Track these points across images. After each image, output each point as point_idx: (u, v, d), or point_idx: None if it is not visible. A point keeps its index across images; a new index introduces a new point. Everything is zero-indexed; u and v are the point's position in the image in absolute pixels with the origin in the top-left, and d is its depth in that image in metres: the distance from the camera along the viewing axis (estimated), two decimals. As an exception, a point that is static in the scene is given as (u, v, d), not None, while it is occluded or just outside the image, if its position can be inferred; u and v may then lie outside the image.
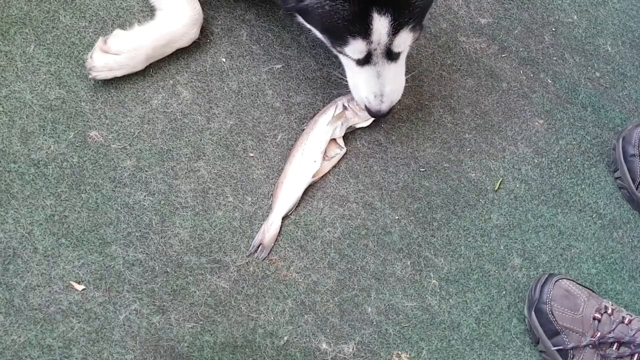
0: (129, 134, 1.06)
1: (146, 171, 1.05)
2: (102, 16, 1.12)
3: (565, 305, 1.02)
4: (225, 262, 1.02)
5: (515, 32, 1.33)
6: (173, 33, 1.09)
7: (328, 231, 1.09)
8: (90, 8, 1.12)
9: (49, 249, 0.97)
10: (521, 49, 1.31)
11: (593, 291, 1.06)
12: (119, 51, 1.05)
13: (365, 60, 0.98)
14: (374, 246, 1.09)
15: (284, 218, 1.07)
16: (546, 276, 1.06)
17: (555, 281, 1.04)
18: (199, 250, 1.02)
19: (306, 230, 1.08)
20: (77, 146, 1.04)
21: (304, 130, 1.14)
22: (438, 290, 1.08)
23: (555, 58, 1.32)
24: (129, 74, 1.09)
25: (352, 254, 1.08)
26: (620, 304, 1.08)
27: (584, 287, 1.06)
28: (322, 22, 0.95)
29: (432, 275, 1.09)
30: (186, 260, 1.00)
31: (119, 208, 1.01)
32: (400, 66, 1.02)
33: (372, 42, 0.93)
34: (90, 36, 1.10)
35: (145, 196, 1.03)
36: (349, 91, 1.09)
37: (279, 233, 1.06)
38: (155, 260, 0.99)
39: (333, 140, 1.13)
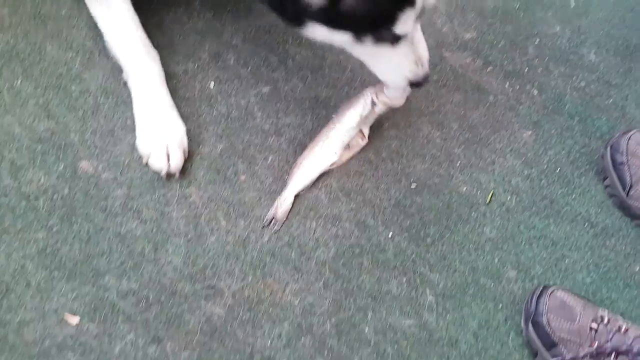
0: (120, 163, 1.07)
1: (137, 199, 1.05)
2: (88, 47, 1.13)
3: (561, 316, 1.02)
4: (219, 288, 1.01)
5: (500, 45, 1.35)
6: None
7: (322, 251, 1.09)
8: (77, 39, 1.13)
9: (42, 282, 0.96)
10: (506, 62, 1.33)
11: (589, 301, 1.06)
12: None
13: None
14: (369, 264, 1.09)
15: (296, 196, 1.11)
16: (541, 288, 1.06)
17: (551, 292, 1.04)
18: (193, 276, 1.01)
19: (300, 251, 1.08)
20: (67, 177, 1.04)
21: (332, 118, 1.15)
22: (435, 307, 1.07)
23: (540, 69, 1.33)
24: (116, 104, 1.09)
25: (347, 273, 1.08)
26: (616, 312, 1.08)
27: (580, 297, 1.06)
28: (368, 16, 0.89)
29: (428, 292, 1.08)
30: (180, 287, 1.00)
31: (111, 238, 1.01)
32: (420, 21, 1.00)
33: (416, 6, 0.90)
34: (77, 67, 1.11)
35: (137, 225, 1.03)
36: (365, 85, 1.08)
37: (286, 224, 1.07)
38: (149, 289, 0.99)
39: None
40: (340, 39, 0.95)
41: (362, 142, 1.16)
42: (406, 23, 0.92)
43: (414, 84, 1.03)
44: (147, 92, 1.08)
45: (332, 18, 0.90)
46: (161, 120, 1.07)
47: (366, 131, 1.16)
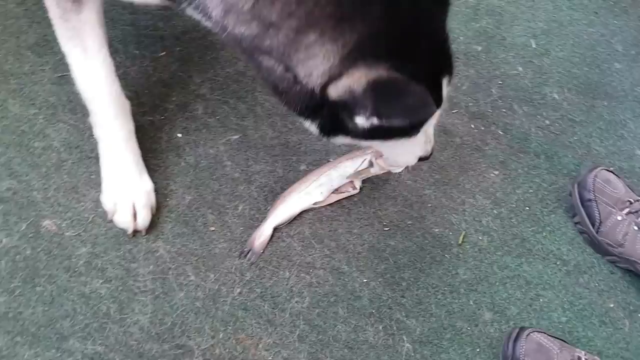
0: (84, 220, 1.04)
1: (102, 257, 1.02)
2: (52, 102, 1.12)
3: (538, 359, 1.01)
4: (189, 347, 0.98)
5: (464, 88, 1.38)
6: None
7: (296, 301, 1.06)
8: (40, 95, 1.12)
9: (4, 349, 0.92)
10: (470, 104, 1.35)
11: (565, 342, 1.05)
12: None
13: None
14: (345, 313, 1.07)
15: (275, 229, 1.11)
16: (517, 331, 1.05)
17: (527, 335, 1.03)
18: (161, 336, 0.98)
19: (273, 303, 1.06)
20: (30, 237, 1.01)
21: (329, 161, 1.16)
22: (412, 354, 1.05)
23: (504, 110, 1.36)
24: (80, 159, 1.08)
25: (322, 323, 1.05)
26: (593, 350, 1.08)
27: (556, 338, 1.05)
28: (405, 128, 0.88)
29: (405, 339, 1.07)
30: (147, 348, 0.96)
31: (75, 299, 0.98)
32: None
33: (442, 106, 0.91)
34: (40, 123, 1.09)
35: (101, 284, 1.00)
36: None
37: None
38: (115, 352, 0.95)
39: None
40: (369, 144, 0.97)
41: (352, 191, 1.17)
42: (432, 123, 0.95)
43: (422, 158, 1.04)
44: (115, 145, 1.06)
45: (371, 134, 0.86)
46: (128, 177, 1.05)
47: (358, 184, 1.17)
